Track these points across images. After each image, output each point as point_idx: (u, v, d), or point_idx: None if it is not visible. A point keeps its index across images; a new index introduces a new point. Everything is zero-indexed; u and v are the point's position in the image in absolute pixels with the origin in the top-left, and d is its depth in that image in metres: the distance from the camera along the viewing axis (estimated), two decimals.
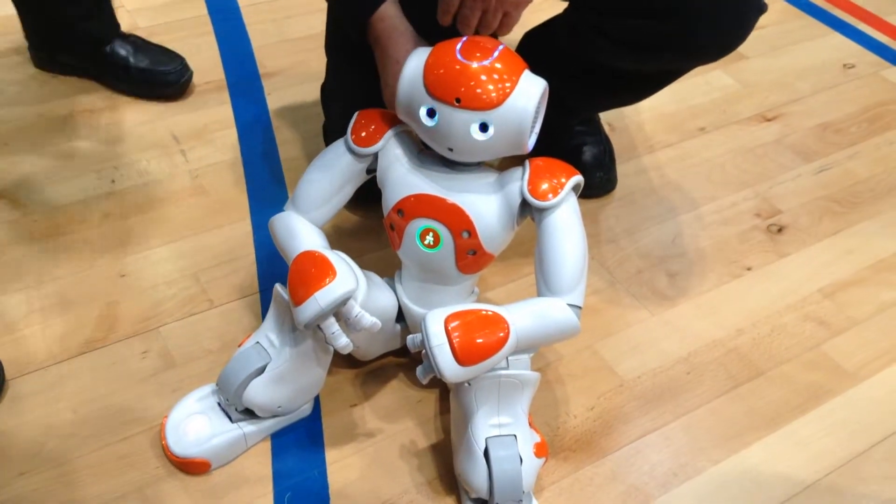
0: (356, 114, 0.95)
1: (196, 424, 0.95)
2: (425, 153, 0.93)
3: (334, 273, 0.83)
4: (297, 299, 0.84)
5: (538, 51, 1.18)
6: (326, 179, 0.95)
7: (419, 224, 0.91)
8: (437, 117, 0.84)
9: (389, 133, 0.93)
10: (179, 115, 1.44)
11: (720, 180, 1.40)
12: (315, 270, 0.84)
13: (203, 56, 1.57)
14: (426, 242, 0.92)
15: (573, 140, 1.33)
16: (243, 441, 0.96)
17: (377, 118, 0.94)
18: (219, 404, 0.97)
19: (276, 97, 1.50)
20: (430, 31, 0.98)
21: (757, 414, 1.06)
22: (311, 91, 1.44)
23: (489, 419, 0.89)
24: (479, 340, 0.81)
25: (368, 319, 0.85)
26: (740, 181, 1.40)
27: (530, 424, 0.92)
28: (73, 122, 1.41)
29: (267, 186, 1.32)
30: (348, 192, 0.97)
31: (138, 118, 1.43)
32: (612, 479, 0.98)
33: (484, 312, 0.83)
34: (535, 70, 0.86)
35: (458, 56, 0.83)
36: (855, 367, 1.12)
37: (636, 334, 1.14)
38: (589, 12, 1.11)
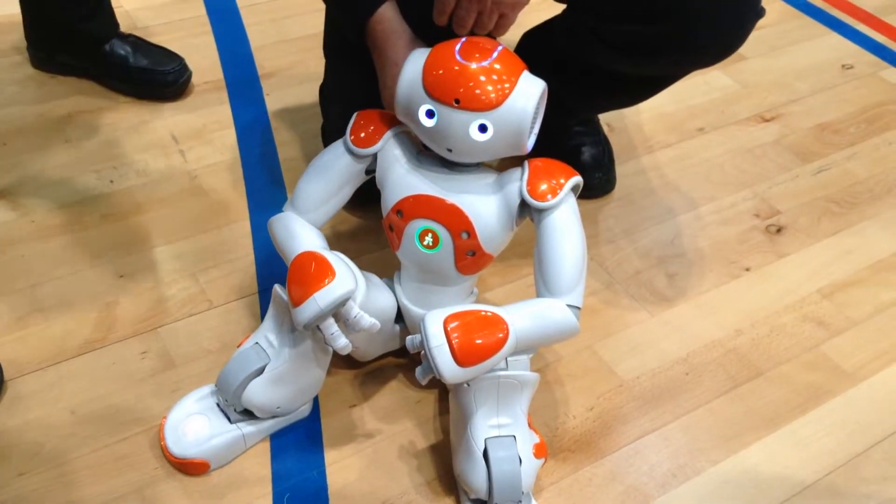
0: (355, 114, 0.95)
1: (195, 425, 0.95)
2: (424, 154, 0.93)
3: (333, 274, 0.83)
4: (296, 300, 0.84)
5: (537, 51, 1.18)
6: (325, 180, 0.95)
7: (418, 225, 0.91)
8: (436, 118, 0.84)
9: (388, 134, 0.93)
10: (178, 115, 1.44)
11: (719, 181, 1.40)
12: (314, 271, 0.84)
13: (202, 56, 1.57)
14: (425, 243, 0.92)
15: (572, 140, 1.33)
16: (242, 442, 0.96)
17: (376, 119, 0.94)
18: (218, 405, 0.97)
19: (274, 97, 1.50)
20: (429, 32, 0.98)
21: (756, 414, 1.06)
22: (309, 91, 1.44)
23: (488, 420, 0.89)
24: (479, 341, 0.81)
25: (367, 320, 0.85)
26: (739, 181, 1.40)
27: (529, 425, 0.92)
28: (72, 122, 1.41)
29: (266, 187, 1.31)
30: (347, 192, 0.97)
31: (137, 118, 1.43)
32: (611, 479, 0.98)
33: (483, 313, 0.83)
34: (534, 71, 0.87)
35: (458, 57, 0.83)
36: (854, 368, 1.12)
37: (635, 335, 1.14)
38: (586, 15, 1.11)
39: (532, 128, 0.85)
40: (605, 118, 1.45)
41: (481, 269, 0.96)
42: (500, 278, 1.20)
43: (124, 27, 1.49)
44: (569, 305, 0.87)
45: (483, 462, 0.87)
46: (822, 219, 1.34)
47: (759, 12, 1.06)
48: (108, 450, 0.97)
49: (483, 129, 0.83)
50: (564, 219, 0.88)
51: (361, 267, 0.90)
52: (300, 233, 0.93)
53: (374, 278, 0.97)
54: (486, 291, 1.17)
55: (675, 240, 1.29)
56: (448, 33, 0.95)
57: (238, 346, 0.97)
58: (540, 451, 0.91)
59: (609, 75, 1.15)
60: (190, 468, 0.94)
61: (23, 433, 0.97)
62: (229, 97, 1.49)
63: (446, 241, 0.91)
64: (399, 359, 1.08)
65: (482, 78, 0.82)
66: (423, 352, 0.82)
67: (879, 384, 1.10)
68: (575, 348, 1.11)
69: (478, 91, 0.82)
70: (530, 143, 0.87)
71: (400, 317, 1.00)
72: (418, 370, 0.84)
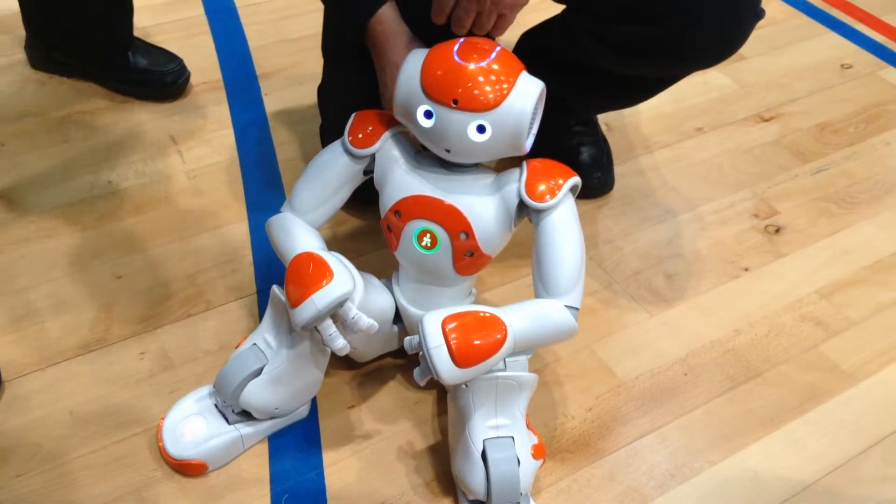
0: (353, 115, 0.95)
1: (193, 426, 0.95)
2: (423, 154, 0.93)
3: (331, 275, 0.83)
4: (294, 301, 0.84)
5: (536, 52, 1.18)
6: (323, 181, 0.95)
7: (416, 225, 0.91)
8: (434, 118, 0.84)
9: (387, 134, 0.93)
10: (176, 115, 1.44)
11: (718, 181, 1.40)
12: (312, 272, 0.84)
13: (200, 56, 1.56)
14: (423, 244, 0.92)
15: (571, 141, 1.33)
16: (240, 443, 0.96)
17: (374, 119, 0.94)
18: (216, 406, 0.97)
19: (273, 98, 1.49)
20: (428, 33, 0.97)
21: (754, 415, 1.06)
22: (308, 92, 1.44)
23: (487, 421, 0.89)
24: (477, 342, 0.81)
25: (366, 321, 0.85)
26: (738, 182, 1.40)
27: (528, 426, 0.92)
28: (70, 122, 1.41)
29: (264, 188, 1.31)
30: (345, 193, 0.97)
31: (135, 119, 1.43)
32: (609, 480, 0.98)
33: (481, 314, 0.83)
34: (533, 71, 0.86)
35: (456, 57, 0.83)
36: (852, 368, 1.12)
37: (634, 335, 1.14)
38: (585, 16, 1.10)
39: (530, 128, 0.85)
40: (603, 118, 1.45)
41: (480, 270, 0.96)
42: (499, 279, 1.20)
43: None
44: (567, 306, 0.87)
45: (481, 463, 0.87)
46: (821, 219, 1.34)
47: (759, 13, 1.06)
48: (107, 451, 0.97)
49: (481, 129, 0.83)
50: (563, 219, 0.88)
51: (359, 267, 0.90)
52: (298, 234, 0.93)
53: (373, 279, 0.97)
54: (484, 292, 1.17)
55: (674, 240, 1.29)
56: (448, 34, 0.95)
57: (236, 347, 0.96)
58: (538, 451, 0.91)
59: (608, 76, 1.15)
60: (188, 469, 0.94)
61: (21, 434, 0.97)
62: (227, 97, 1.49)
63: (444, 242, 0.91)
64: (397, 359, 1.08)
65: (480, 78, 0.82)
66: (421, 353, 0.82)
67: (878, 384, 1.10)
68: (573, 349, 1.11)
69: (476, 91, 0.82)
70: (528, 143, 0.87)
71: (398, 317, 1.00)
72: (416, 371, 0.84)
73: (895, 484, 0.99)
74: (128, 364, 1.06)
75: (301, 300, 0.83)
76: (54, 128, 1.40)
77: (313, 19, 1.61)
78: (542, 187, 0.87)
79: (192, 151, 1.37)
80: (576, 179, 0.89)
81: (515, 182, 0.89)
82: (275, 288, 0.92)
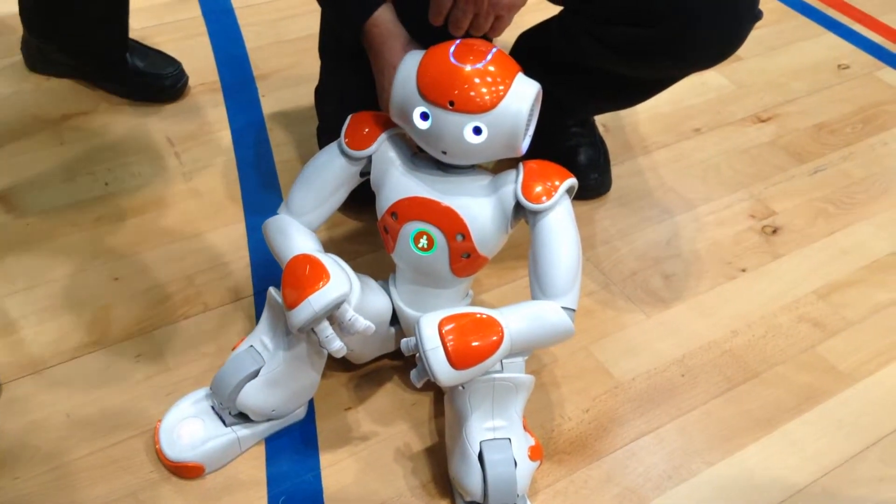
0: (349, 117, 0.95)
1: (190, 428, 0.95)
2: (419, 156, 0.93)
3: (328, 276, 0.83)
4: (291, 303, 0.84)
5: (533, 53, 1.18)
6: (320, 183, 0.95)
7: (413, 227, 0.91)
8: (430, 120, 0.84)
9: (383, 136, 0.93)
10: (173, 117, 1.44)
11: (715, 181, 1.40)
12: (309, 274, 0.84)
13: (197, 58, 1.56)
14: (420, 245, 0.92)
15: (568, 142, 1.33)
16: (237, 445, 0.96)
17: (370, 121, 0.94)
18: (213, 408, 0.97)
19: (270, 99, 1.49)
20: (426, 34, 0.97)
21: (751, 416, 1.06)
22: (305, 93, 1.44)
23: (483, 422, 0.89)
24: (474, 344, 0.81)
25: (362, 323, 0.85)
26: (735, 182, 1.40)
27: (525, 427, 0.92)
28: (67, 124, 1.41)
29: (261, 189, 1.31)
30: (342, 195, 0.96)
31: (132, 121, 1.43)
32: (606, 481, 0.98)
33: (478, 316, 0.83)
34: (530, 72, 0.86)
35: (452, 59, 0.83)
36: (850, 369, 1.12)
37: (631, 336, 1.14)
38: (583, 17, 1.10)
39: (527, 130, 0.85)
40: (600, 119, 1.45)
41: (476, 272, 0.96)
42: (496, 280, 1.20)
43: None
44: (564, 307, 0.86)
45: (478, 465, 0.87)
46: (818, 219, 1.34)
47: (757, 15, 1.06)
48: (104, 453, 0.97)
49: (477, 131, 0.83)
50: (559, 221, 0.88)
51: (356, 269, 0.90)
52: (295, 235, 0.93)
53: (369, 280, 0.97)
54: (481, 293, 1.17)
55: (671, 241, 1.29)
56: (445, 35, 0.95)
57: (233, 349, 0.96)
58: (535, 453, 0.91)
59: (606, 77, 1.15)
60: (185, 472, 0.94)
61: (18, 437, 0.97)
62: (224, 99, 1.49)
63: (441, 244, 0.91)
64: (394, 361, 1.07)
65: (476, 80, 0.82)
66: (417, 354, 0.82)
67: (875, 385, 1.10)
68: (570, 350, 1.11)
69: (472, 93, 0.82)
70: (525, 145, 0.86)
71: (395, 319, 1.00)
72: (413, 373, 0.84)
73: (893, 484, 0.99)
74: (124, 366, 1.05)
75: (298, 302, 0.83)
76: (51, 129, 1.40)
77: (310, 20, 1.61)
78: (538, 189, 0.87)
79: (190, 153, 1.37)
80: (572, 181, 0.89)
81: (512, 183, 0.89)
82: (272, 290, 0.92)
